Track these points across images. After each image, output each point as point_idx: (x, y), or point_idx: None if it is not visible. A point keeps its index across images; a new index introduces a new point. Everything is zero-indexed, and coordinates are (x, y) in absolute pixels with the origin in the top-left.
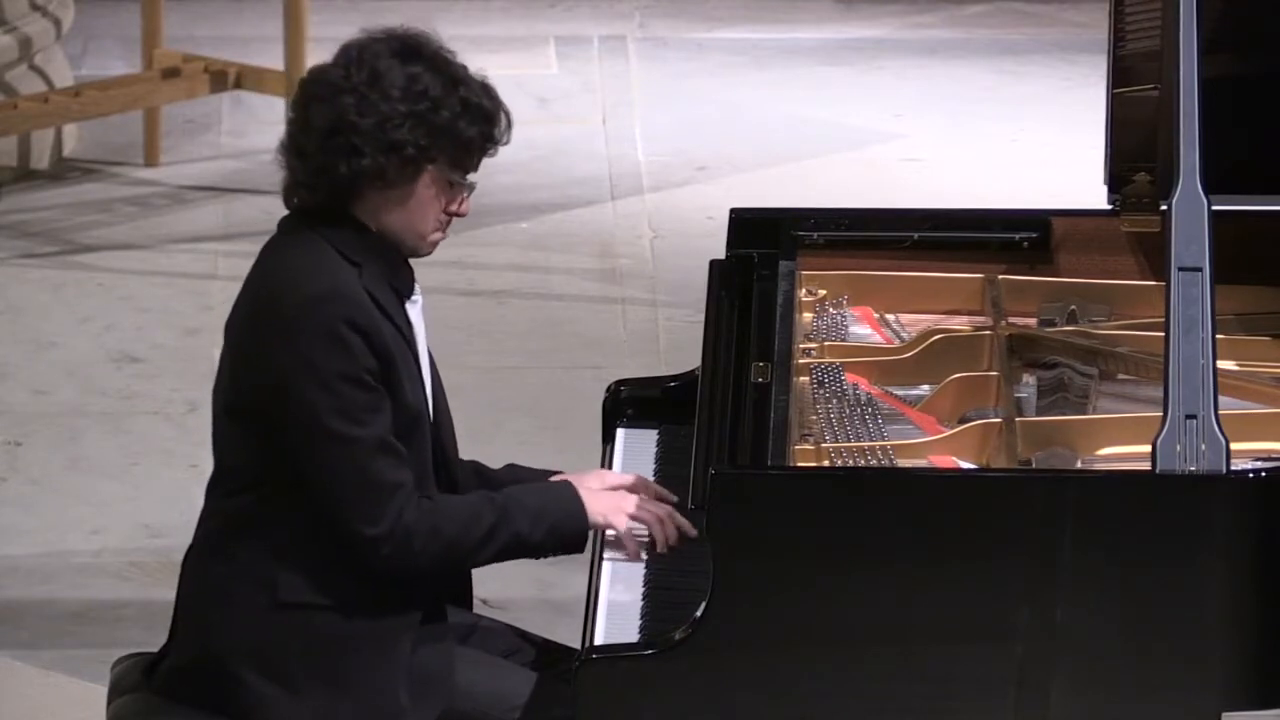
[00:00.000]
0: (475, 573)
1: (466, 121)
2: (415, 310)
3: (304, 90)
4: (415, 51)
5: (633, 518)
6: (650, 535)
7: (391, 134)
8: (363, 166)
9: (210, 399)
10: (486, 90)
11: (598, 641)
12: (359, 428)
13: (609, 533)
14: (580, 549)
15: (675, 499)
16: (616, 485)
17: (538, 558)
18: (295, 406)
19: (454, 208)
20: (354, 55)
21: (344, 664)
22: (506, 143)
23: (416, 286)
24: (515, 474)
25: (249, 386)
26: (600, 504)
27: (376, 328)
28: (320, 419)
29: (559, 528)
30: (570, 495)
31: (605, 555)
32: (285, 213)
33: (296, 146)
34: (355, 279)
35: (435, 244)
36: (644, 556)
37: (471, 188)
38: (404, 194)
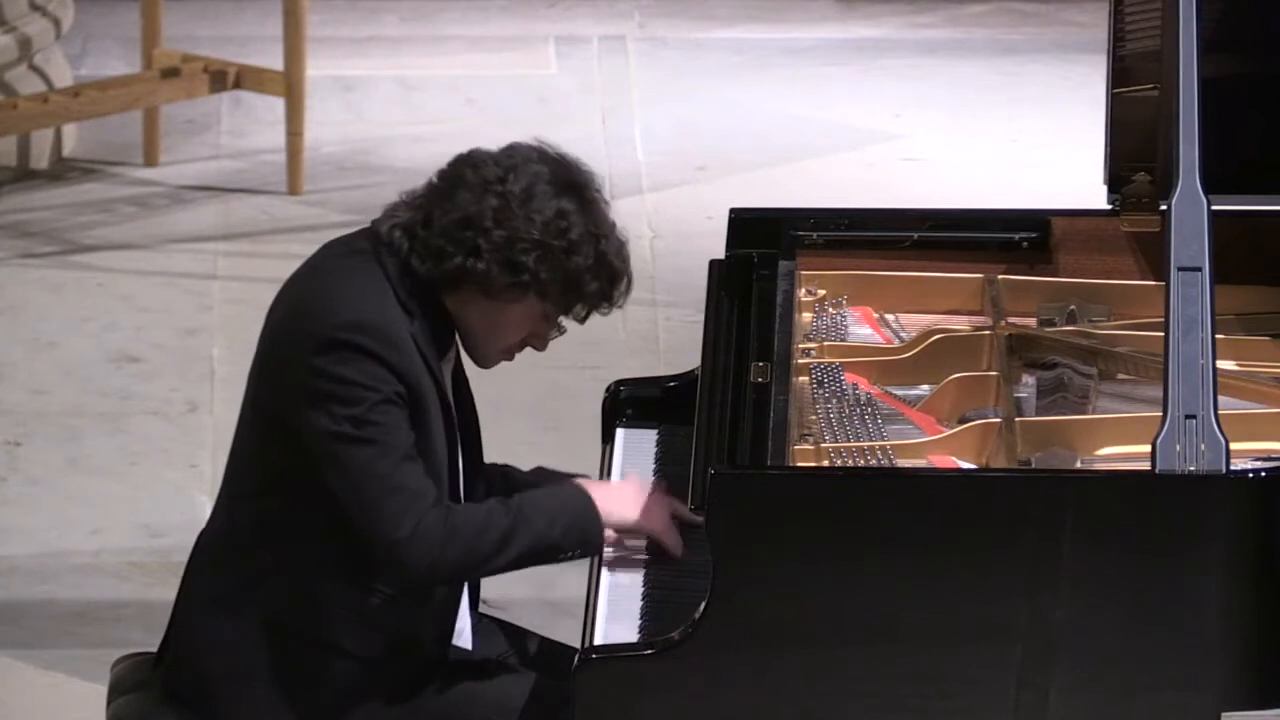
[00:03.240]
0: None
1: (592, 275)
2: (448, 372)
3: (458, 168)
4: (575, 189)
5: (640, 524)
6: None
7: (516, 255)
8: (475, 268)
9: (208, 398)
10: (621, 251)
11: (598, 641)
12: (386, 436)
13: (608, 552)
14: (599, 546)
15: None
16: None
17: (559, 560)
18: (324, 417)
19: (535, 340)
20: (518, 163)
21: (328, 688)
22: (621, 306)
23: (454, 351)
24: (544, 476)
25: (273, 388)
26: (609, 501)
27: (415, 375)
28: (347, 428)
29: (574, 526)
30: (581, 493)
31: (605, 563)
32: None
33: (427, 212)
34: (405, 325)
35: (497, 363)
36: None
37: (562, 331)
38: (498, 307)
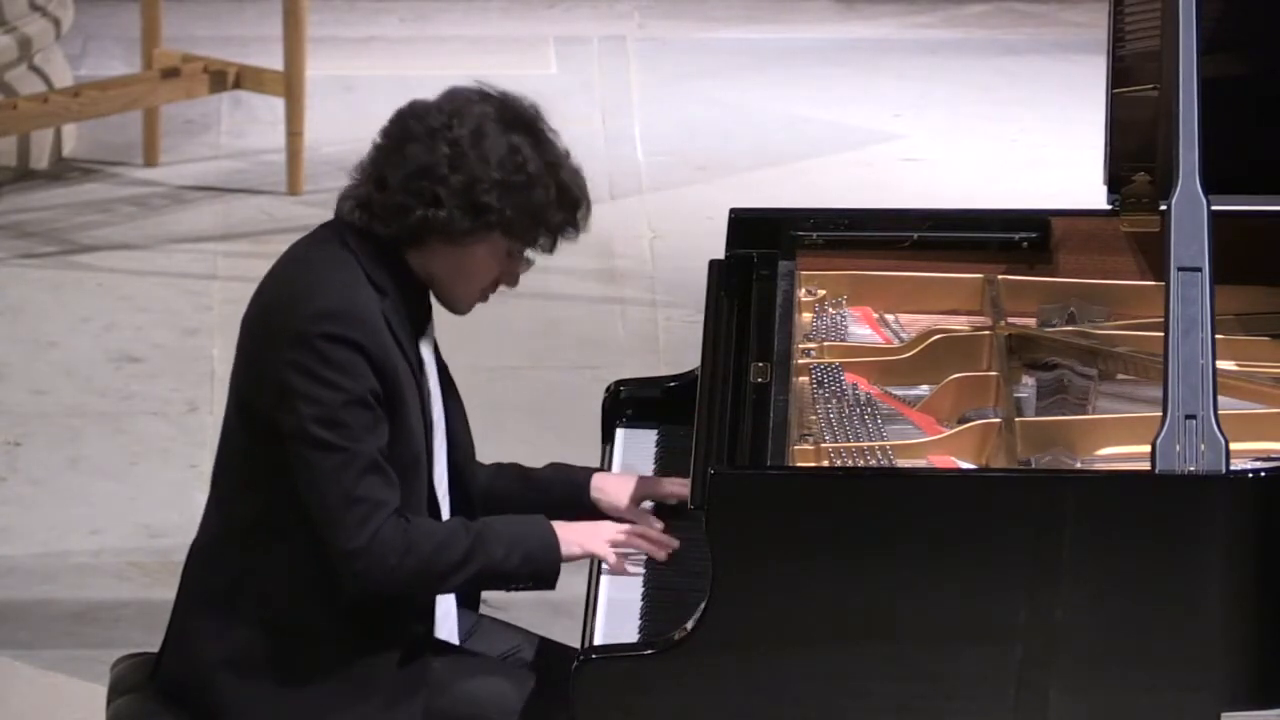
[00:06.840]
0: None
1: (556, 206)
2: (427, 348)
3: (401, 123)
4: (524, 124)
5: (614, 544)
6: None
7: (478, 196)
8: (438, 217)
9: (208, 398)
10: (578, 178)
11: (597, 641)
12: (352, 443)
13: (604, 565)
14: (552, 583)
15: (683, 492)
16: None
17: (510, 588)
18: (293, 415)
19: (506, 278)
20: (460, 106)
21: (325, 688)
22: (585, 231)
23: (432, 325)
24: (559, 472)
25: (254, 386)
26: (575, 534)
27: (386, 356)
28: (314, 429)
29: (533, 557)
30: (545, 528)
31: (604, 570)
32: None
33: (378, 174)
34: (376, 304)
35: (473, 306)
36: (637, 570)
37: (530, 263)
38: (463, 252)
